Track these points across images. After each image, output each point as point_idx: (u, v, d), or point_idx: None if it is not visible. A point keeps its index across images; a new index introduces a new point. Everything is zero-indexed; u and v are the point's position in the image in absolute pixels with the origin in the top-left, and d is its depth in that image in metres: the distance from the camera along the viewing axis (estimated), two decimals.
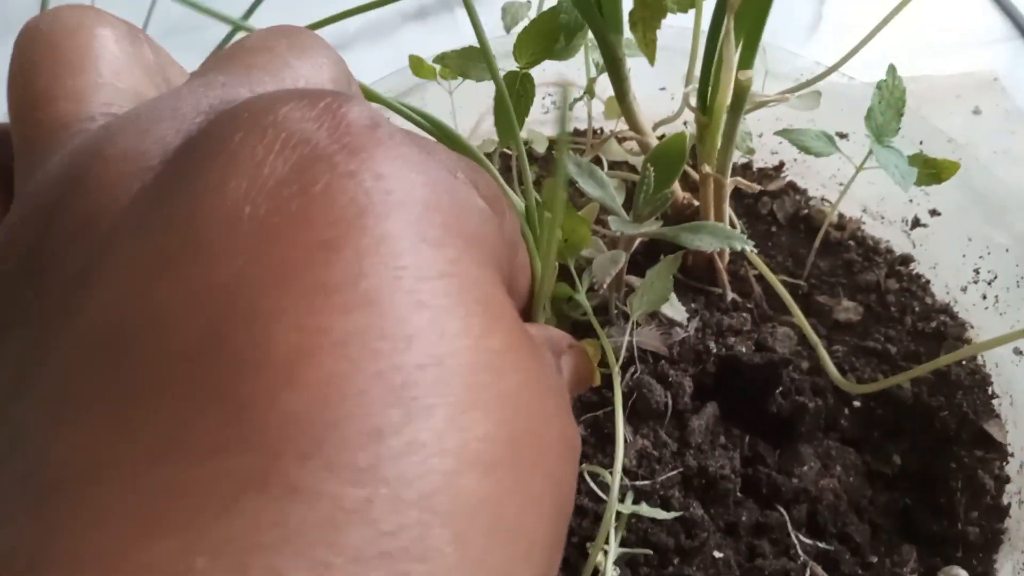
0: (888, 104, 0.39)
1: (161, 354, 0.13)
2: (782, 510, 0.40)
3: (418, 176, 0.16)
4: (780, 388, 0.41)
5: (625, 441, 0.39)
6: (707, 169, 0.38)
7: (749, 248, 0.34)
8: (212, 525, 0.12)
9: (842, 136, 0.45)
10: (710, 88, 0.36)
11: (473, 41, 0.46)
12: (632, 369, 0.41)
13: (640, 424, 0.40)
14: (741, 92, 0.33)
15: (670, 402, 0.40)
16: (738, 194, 0.50)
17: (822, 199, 0.49)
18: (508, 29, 0.44)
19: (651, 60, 0.36)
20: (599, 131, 0.51)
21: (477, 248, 0.16)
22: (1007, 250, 0.40)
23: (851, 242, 0.48)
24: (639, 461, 0.39)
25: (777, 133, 0.40)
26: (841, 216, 0.49)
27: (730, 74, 0.33)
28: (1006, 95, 0.67)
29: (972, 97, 0.66)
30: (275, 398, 0.13)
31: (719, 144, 0.37)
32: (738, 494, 0.40)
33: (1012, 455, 0.40)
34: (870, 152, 0.39)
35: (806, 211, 0.49)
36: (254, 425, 0.13)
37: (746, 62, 0.33)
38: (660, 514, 0.37)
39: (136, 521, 0.12)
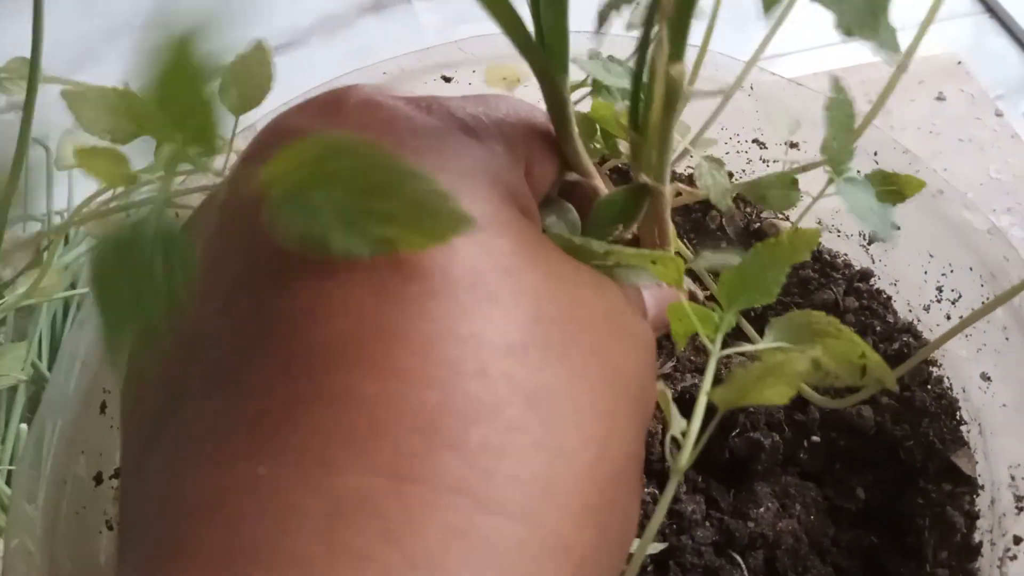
0: (840, 126, 0.35)
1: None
2: (737, 557, 0.37)
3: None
4: (736, 430, 0.38)
5: None
6: (644, 179, 0.34)
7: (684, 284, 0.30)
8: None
9: (793, 146, 0.42)
10: (641, 104, 0.31)
11: (433, 35, 0.42)
12: None
13: None
14: (675, 89, 0.28)
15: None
16: (685, 208, 0.47)
17: (774, 213, 0.46)
18: None
19: None
20: None
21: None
22: (971, 268, 0.37)
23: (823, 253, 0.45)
24: None
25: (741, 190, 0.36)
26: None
27: (663, 86, 0.29)
28: (970, 79, 0.64)
29: (935, 82, 0.64)
30: None
31: (654, 158, 0.33)
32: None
33: (983, 488, 0.37)
34: (830, 181, 0.35)
35: (757, 224, 0.45)
36: None
37: (676, 53, 0.28)
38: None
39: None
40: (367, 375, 0.16)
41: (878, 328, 0.42)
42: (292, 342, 0.17)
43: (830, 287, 0.43)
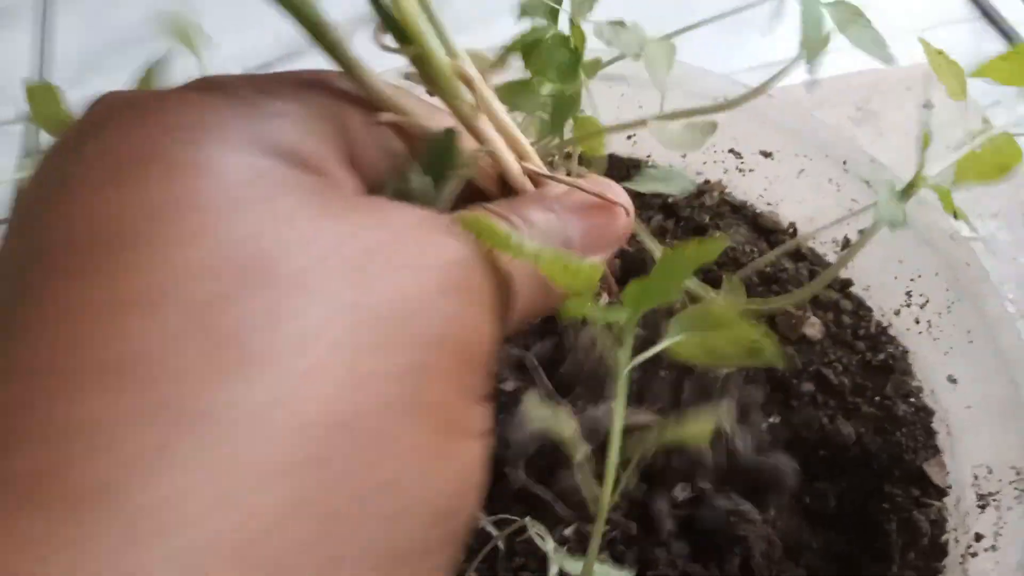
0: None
1: None
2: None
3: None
4: None
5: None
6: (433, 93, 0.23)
7: None
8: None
9: (766, 155, 0.43)
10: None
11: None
12: None
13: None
14: None
15: None
16: (671, 211, 0.47)
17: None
18: None
19: None
20: None
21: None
22: (936, 273, 0.38)
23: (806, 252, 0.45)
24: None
25: None
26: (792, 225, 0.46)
27: None
28: None
29: (923, 89, 0.64)
30: None
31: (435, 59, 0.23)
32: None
33: (951, 487, 0.38)
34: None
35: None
36: None
37: None
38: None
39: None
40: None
41: (863, 333, 0.42)
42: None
43: (831, 286, 0.43)
